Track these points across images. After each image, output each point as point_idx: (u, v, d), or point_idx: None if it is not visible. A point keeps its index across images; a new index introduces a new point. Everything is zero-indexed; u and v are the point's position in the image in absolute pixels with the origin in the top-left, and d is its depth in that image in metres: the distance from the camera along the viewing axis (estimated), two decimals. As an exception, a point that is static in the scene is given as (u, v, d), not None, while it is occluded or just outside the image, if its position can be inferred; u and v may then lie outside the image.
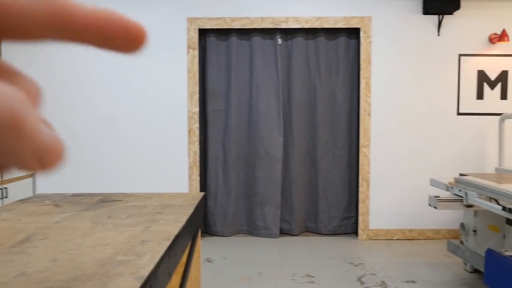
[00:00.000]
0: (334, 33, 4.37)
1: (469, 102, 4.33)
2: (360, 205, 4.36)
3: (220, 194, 4.43)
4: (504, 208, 2.13)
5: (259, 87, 4.36)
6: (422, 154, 4.34)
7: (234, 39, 4.34)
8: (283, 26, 4.22)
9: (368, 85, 4.27)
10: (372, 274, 3.40)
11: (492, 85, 4.32)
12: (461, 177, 2.81)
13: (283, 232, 4.50)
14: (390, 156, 4.33)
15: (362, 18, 4.24)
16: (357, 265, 3.61)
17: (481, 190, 2.48)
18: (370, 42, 4.25)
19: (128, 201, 2.12)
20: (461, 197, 2.66)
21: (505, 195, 2.18)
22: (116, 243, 1.33)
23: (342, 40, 4.36)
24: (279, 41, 4.34)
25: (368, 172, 4.32)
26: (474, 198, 2.53)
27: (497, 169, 3.95)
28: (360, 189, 4.35)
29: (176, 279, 1.55)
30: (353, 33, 4.37)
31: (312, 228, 4.57)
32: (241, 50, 4.38)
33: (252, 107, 4.39)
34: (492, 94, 4.33)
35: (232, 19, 4.21)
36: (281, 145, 4.37)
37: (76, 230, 1.51)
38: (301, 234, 4.54)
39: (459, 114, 4.34)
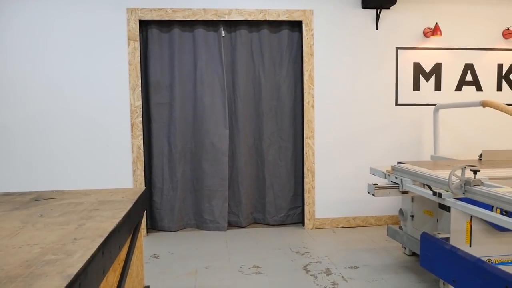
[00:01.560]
0: (277, 26, 4.40)
1: (407, 93, 4.53)
2: (306, 195, 4.45)
3: (166, 189, 4.36)
4: (434, 193, 2.25)
5: (203, 80, 4.32)
6: (364, 144, 4.49)
7: (176, 30, 4.26)
8: (226, 18, 4.20)
9: (311, 77, 4.35)
10: (317, 262, 3.49)
11: (427, 77, 4.54)
12: (398, 165, 2.94)
13: (231, 225, 4.51)
14: (334, 147, 4.45)
15: (304, 11, 4.30)
16: (303, 254, 3.68)
17: (415, 176, 2.60)
18: (312, 35, 4.33)
19: (63, 199, 2.03)
20: (397, 184, 2.79)
21: (436, 180, 2.30)
22: (46, 243, 1.27)
23: (285, 33, 4.41)
24: (223, 33, 4.31)
25: (313, 163, 4.42)
26: (409, 185, 2.65)
27: (432, 157, 4.16)
28: (306, 179, 4.44)
29: (113, 276, 1.51)
30: (296, 26, 4.42)
31: (260, 220, 4.61)
32: (184, 42, 4.31)
33: (197, 100, 4.35)
34: (427, 86, 4.55)
35: (174, 10, 4.13)
36: (227, 137, 4.36)
37: (3, 231, 1.43)
38: (249, 226, 4.57)
39: (397, 105, 4.52)
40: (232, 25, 4.36)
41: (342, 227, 4.51)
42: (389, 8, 4.39)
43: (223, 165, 4.36)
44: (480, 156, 3.61)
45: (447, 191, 2.22)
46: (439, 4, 4.49)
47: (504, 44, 4.63)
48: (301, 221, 4.62)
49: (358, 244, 3.94)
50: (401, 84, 4.51)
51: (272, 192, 4.54)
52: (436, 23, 4.40)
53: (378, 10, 4.37)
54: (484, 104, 3.51)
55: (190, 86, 4.35)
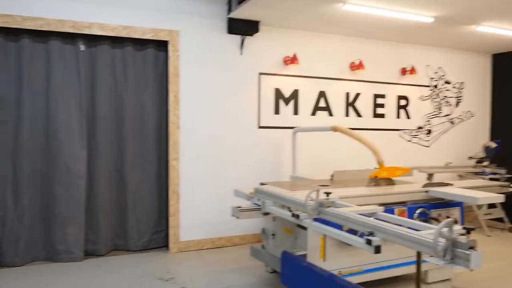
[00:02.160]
0: (143, 44, 4.28)
1: (268, 117, 4.76)
2: (171, 218, 4.34)
3: (9, 218, 3.82)
4: (293, 215, 2.38)
5: (57, 96, 3.94)
6: (229, 165, 4.58)
7: (26, 41, 3.83)
8: (86, 31, 3.93)
9: (176, 98, 4.30)
10: (182, 287, 3.40)
11: (287, 101, 4.86)
12: (260, 186, 3.05)
13: (88, 254, 4.15)
14: (200, 168, 4.44)
15: (170, 31, 4.25)
16: (167, 280, 3.55)
17: (275, 198, 2.72)
18: (178, 55, 4.30)
19: None
20: (260, 205, 2.88)
21: (295, 203, 2.44)
22: None
23: (150, 51, 4.30)
24: (82, 47, 4.02)
25: (178, 185, 4.34)
26: (270, 207, 2.76)
27: (291, 177, 4.43)
28: (170, 202, 4.33)
29: None
30: (162, 46, 4.35)
31: (121, 246, 4.34)
32: (36, 54, 3.89)
33: (50, 118, 3.94)
34: (287, 110, 4.86)
35: (24, 18, 3.71)
36: (85, 159, 4.03)
37: None
38: (109, 253, 4.26)
39: (260, 127, 4.73)
40: (92, 40, 4.10)
41: (208, 249, 4.49)
42: (252, 36, 4.61)
43: (79, 189, 4.00)
44: (332, 175, 3.95)
45: (304, 212, 2.35)
46: (297, 35, 4.86)
47: (350, 75, 5.21)
48: (165, 245, 4.47)
49: (223, 265, 3.96)
50: (264, 107, 4.74)
51: (135, 216, 4.32)
52: (294, 53, 4.75)
53: (243, 37, 4.55)
54: (335, 129, 3.88)
55: (42, 103, 3.93)
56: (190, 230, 4.43)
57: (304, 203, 2.26)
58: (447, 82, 5.92)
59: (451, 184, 3.61)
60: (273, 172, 4.81)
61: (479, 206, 5.49)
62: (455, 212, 3.51)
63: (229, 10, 4.38)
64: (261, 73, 4.71)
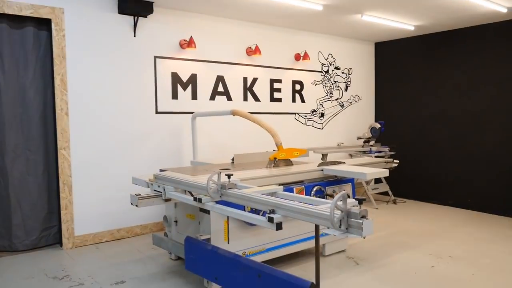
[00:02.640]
0: (21, 21, 3.84)
1: (166, 102, 4.62)
2: (63, 212, 4.02)
3: None
4: (195, 199, 2.34)
5: None
6: (126, 153, 4.36)
7: None
8: (-51, 5, 3.41)
9: (64, 82, 3.96)
10: (79, 284, 3.18)
11: (184, 86, 4.76)
12: (160, 173, 2.95)
13: (-36, 259, 3.68)
14: (93, 157, 4.16)
15: (53, 8, 3.88)
16: (62, 279, 3.30)
17: (176, 184, 2.65)
18: (63, 35, 3.94)
19: None
20: (161, 192, 2.79)
21: (196, 186, 2.40)
22: None
23: (30, 30, 3.88)
24: None
25: (70, 176, 4.03)
26: (171, 192, 2.69)
27: (192, 162, 4.37)
28: (62, 195, 4.01)
29: None
30: (44, 24, 3.95)
31: (5, 247, 3.91)
32: None
33: None
34: (185, 95, 4.76)
35: None
36: (-45, 152, 3.54)
37: None
38: (-9, 256, 3.83)
39: (157, 113, 4.57)
40: (-43, 15, 3.58)
41: (107, 242, 4.26)
42: (146, 17, 4.40)
43: (-51, 187, 3.51)
44: (233, 159, 3.98)
45: (206, 195, 2.33)
46: (193, 18, 4.76)
47: (247, 60, 5.26)
48: (58, 241, 4.14)
49: (123, 257, 3.79)
50: (161, 92, 4.58)
51: (20, 212, 3.92)
52: (191, 36, 4.66)
53: (135, 18, 4.33)
54: (233, 113, 3.89)
55: None
56: (86, 224, 4.15)
57: (206, 186, 2.23)
58: (337, 68, 6.29)
59: (343, 162, 3.86)
60: (173, 158, 4.70)
61: (368, 182, 5.98)
62: (347, 188, 3.76)
63: (120, -11, 4.13)
64: (156, 57, 4.54)
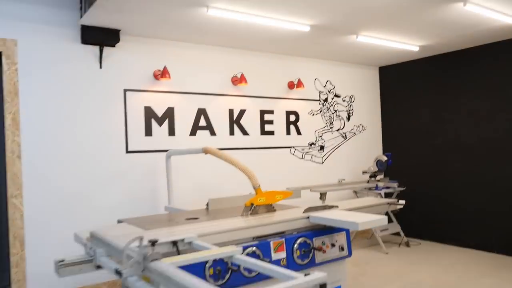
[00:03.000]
0: (-33, 55, 3.44)
1: (138, 139, 4.12)
2: (13, 270, 3.47)
3: None
4: (116, 271, 1.77)
5: None
6: (90, 199, 3.84)
7: None
8: None
9: (16, 121, 3.50)
10: None
11: (160, 121, 4.26)
12: (95, 230, 2.39)
13: None
14: (50, 206, 3.64)
15: (4, 40, 3.47)
16: None
17: (107, 247, 2.09)
18: (16, 69, 3.52)
19: None
20: (92, 256, 2.22)
21: (116, 251, 1.83)
22: None
23: (-23, 65, 3.47)
24: None
25: (22, 228, 3.51)
26: (101, 258, 2.12)
27: (166, 208, 3.81)
28: (13, 250, 3.48)
29: None
30: (-6, 58, 3.55)
31: None
32: None
33: None
34: (160, 131, 4.25)
35: None
36: None
37: None
38: None
39: (128, 152, 4.06)
40: None
41: (67, 303, 3.68)
42: (114, 46, 3.97)
43: None
44: (207, 205, 3.42)
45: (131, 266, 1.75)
46: (168, 46, 4.32)
47: (233, 90, 4.76)
48: (10, 305, 3.59)
49: (77, 326, 3.20)
50: (132, 129, 4.09)
51: (-37, 273, 3.40)
52: (165, 66, 4.19)
53: (101, 47, 3.89)
54: (205, 151, 3.35)
55: None
56: (41, 283, 3.59)
57: (123, 257, 1.66)
58: (337, 96, 5.74)
59: (336, 206, 3.24)
60: (148, 203, 4.15)
61: (375, 223, 5.29)
62: (341, 238, 3.12)
63: (82, 16, 3.71)
64: (127, 90, 4.07)
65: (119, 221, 2.95)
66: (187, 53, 4.44)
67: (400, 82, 5.94)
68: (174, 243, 1.97)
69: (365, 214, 2.96)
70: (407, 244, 5.34)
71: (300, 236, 2.90)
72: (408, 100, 5.83)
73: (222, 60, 4.68)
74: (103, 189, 3.91)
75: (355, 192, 5.46)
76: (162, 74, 4.14)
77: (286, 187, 4.69)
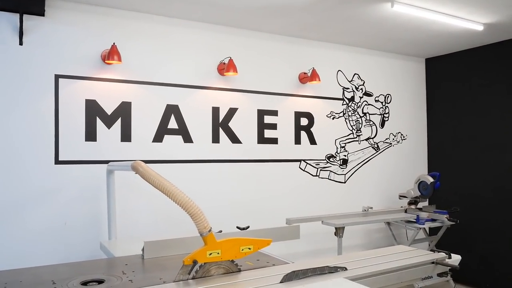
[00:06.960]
0: None
1: (75, 145, 2.96)
2: None
3: None
4: None
5: None
6: (2, 229, 2.71)
7: None
8: None
9: None
10: None
11: (109, 121, 3.08)
12: None
13: None
14: None
15: None
16: None
17: None
18: None
19: None
20: None
21: None
22: None
23: None
24: None
25: None
26: None
27: (101, 246, 2.62)
28: None
29: None
30: None
31: None
32: None
33: None
34: (109, 134, 3.07)
35: None
36: None
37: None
38: None
39: (58, 162, 2.90)
40: None
41: None
42: (42, 15, 2.84)
43: None
44: (143, 250, 2.20)
45: None
46: (119, 18, 3.15)
47: (220, 82, 3.53)
48: None
49: None
50: (66, 131, 2.93)
51: None
52: (113, 43, 3.00)
53: (21, 16, 2.77)
54: (133, 168, 2.10)
55: None
56: None
57: None
58: (368, 94, 4.36)
59: (343, 269, 1.90)
60: (83, 235, 2.98)
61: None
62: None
63: (-13, -31, 2.61)
64: (59, 76, 2.92)
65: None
66: (154, 29, 3.25)
67: (456, 78, 4.47)
68: None
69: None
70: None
71: (264, 333, 1.60)
72: (466, 102, 4.36)
73: (202, 41, 3.45)
74: (20, 214, 2.76)
75: (388, 223, 4.05)
76: (109, 55, 2.95)
77: (286, 217, 3.37)
